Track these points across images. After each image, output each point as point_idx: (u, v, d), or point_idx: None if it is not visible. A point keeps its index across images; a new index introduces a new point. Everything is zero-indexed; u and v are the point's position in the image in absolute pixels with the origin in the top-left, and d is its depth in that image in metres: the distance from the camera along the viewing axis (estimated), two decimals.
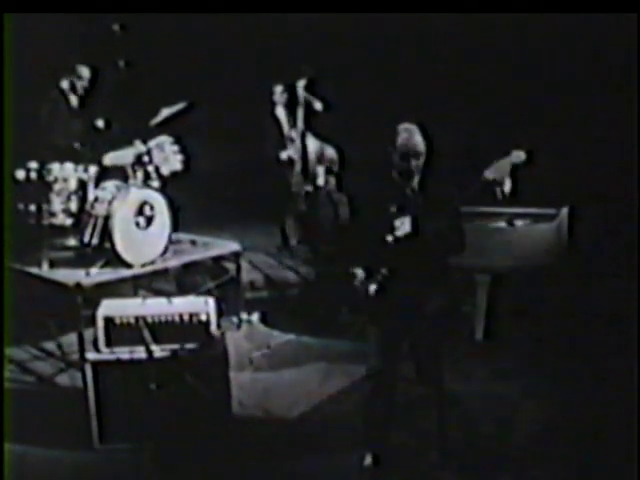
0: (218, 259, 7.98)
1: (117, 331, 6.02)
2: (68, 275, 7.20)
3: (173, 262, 7.63)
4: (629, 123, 8.46)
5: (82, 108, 8.13)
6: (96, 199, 7.53)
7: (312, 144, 9.02)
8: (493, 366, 6.98)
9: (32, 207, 7.40)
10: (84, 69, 8.03)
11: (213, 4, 8.46)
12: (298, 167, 9.03)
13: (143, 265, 7.44)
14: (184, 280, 8.01)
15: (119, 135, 7.92)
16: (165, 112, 8.02)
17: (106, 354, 6.01)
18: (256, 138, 9.27)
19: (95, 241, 7.50)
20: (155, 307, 6.17)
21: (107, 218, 7.40)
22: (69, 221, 7.50)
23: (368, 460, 5.63)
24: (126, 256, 7.35)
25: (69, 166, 7.51)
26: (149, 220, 7.48)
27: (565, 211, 7.50)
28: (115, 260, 7.35)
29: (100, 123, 8.11)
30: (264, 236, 9.40)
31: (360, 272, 5.39)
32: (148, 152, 7.75)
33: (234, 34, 10.20)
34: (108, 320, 6.03)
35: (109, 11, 8.15)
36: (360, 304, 5.46)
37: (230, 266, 8.01)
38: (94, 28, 8.88)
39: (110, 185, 7.65)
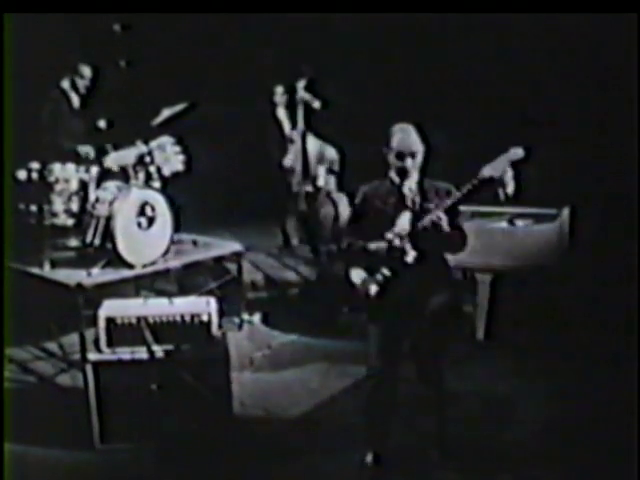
0: (219, 259, 7.98)
1: (118, 331, 6.03)
2: (69, 275, 7.21)
3: (174, 262, 7.63)
4: (629, 123, 8.45)
5: (83, 108, 8.14)
6: (97, 199, 7.54)
7: (312, 144, 9.02)
8: (493, 366, 6.99)
9: (33, 207, 7.42)
10: (85, 69, 8.04)
11: (214, 4, 8.46)
12: (298, 167, 9.03)
13: (144, 265, 7.45)
14: (185, 280, 8.01)
15: (120, 135, 7.93)
16: (166, 112, 8.03)
17: (107, 354, 6.02)
18: (257, 139, 9.27)
19: (96, 241, 7.51)
20: (156, 307, 6.18)
21: (108, 218, 7.41)
22: (70, 221, 7.51)
23: (369, 459, 5.64)
24: (127, 256, 7.36)
25: (70, 166, 7.52)
26: (150, 220, 7.49)
27: (566, 211, 7.50)
28: (116, 260, 7.36)
29: (101, 123, 8.13)
30: (265, 236, 9.41)
31: (360, 272, 5.40)
32: (149, 152, 7.75)
33: (235, 34, 10.20)
34: (109, 320, 6.04)
35: (110, 11, 8.14)
36: (360, 304, 5.47)
37: (231, 266, 8.02)
38: (95, 28, 8.88)
39: (111, 185, 7.65)
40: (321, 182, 8.97)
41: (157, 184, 7.74)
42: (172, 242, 7.62)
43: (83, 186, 7.54)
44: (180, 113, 8.04)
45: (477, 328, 7.42)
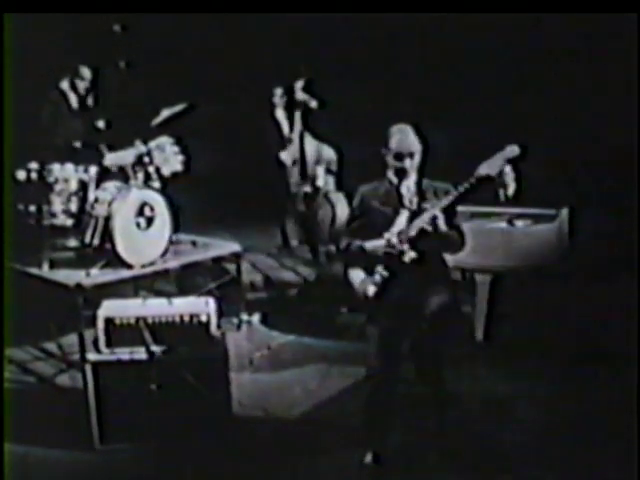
0: (218, 260, 7.97)
1: (117, 332, 6.03)
2: (69, 276, 7.21)
3: (173, 263, 7.62)
4: (629, 123, 8.45)
5: (83, 109, 8.13)
6: (96, 200, 7.52)
7: (310, 145, 9.01)
8: (493, 366, 6.99)
9: (32, 208, 7.40)
10: (85, 69, 8.03)
11: (214, 4, 8.46)
12: (297, 168, 9.03)
13: (143, 266, 7.44)
14: (184, 281, 8.01)
15: (120, 136, 7.93)
16: (166, 113, 8.02)
17: (106, 355, 6.02)
18: (256, 139, 9.27)
19: (96, 242, 7.50)
20: (155, 308, 6.18)
21: (107, 219, 7.40)
22: (70, 222, 7.50)
23: (368, 459, 5.64)
24: (126, 257, 7.35)
25: (70, 167, 7.51)
26: (149, 221, 7.48)
27: (565, 212, 7.50)
28: (115, 261, 7.35)
29: (101, 124, 8.12)
30: (264, 237, 9.41)
31: (359, 273, 5.40)
32: (148, 153, 7.75)
33: (235, 34, 10.19)
34: (108, 321, 6.04)
35: (110, 11, 8.14)
36: (359, 304, 5.47)
37: (230, 267, 8.01)
38: (95, 28, 8.87)
39: (110, 186, 7.64)
40: (320, 182, 8.97)
41: (156, 184, 7.73)
42: (171, 242, 7.62)
43: (82, 186, 7.53)
44: (179, 113, 8.04)
45: (476, 328, 7.41)
